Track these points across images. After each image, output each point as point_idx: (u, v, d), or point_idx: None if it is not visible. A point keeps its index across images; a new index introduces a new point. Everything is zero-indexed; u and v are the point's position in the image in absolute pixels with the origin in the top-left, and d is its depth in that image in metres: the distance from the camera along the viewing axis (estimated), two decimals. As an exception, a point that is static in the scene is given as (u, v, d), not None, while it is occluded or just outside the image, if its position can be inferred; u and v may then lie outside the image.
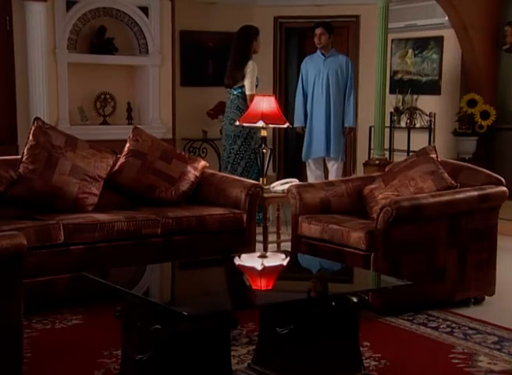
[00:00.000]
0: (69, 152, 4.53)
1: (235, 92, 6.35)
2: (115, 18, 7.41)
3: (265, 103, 5.32)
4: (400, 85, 8.21)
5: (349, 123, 6.96)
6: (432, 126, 7.89)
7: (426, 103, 8.10)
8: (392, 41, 8.31)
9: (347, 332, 3.10)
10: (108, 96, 7.44)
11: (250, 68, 6.25)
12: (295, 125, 6.95)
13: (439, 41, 8.13)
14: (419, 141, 7.45)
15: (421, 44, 8.34)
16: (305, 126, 7.03)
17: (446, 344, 3.69)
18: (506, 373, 3.34)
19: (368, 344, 3.62)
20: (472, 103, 7.37)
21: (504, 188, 4.38)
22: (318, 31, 6.87)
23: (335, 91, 6.89)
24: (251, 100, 5.72)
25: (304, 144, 7.05)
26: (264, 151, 5.37)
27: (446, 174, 4.41)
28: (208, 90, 8.27)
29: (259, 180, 5.27)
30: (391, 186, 4.49)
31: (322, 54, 6.95)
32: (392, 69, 8.39)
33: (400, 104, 8.11)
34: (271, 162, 5.69)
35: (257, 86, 6.30)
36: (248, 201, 4.68)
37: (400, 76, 8.46)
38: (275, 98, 5.60)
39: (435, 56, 8.22)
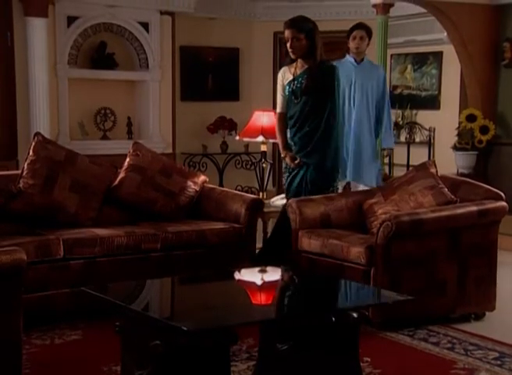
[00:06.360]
0: (69, 167, 4.54)
1: None
2: (116, 33, 7.46)
3: (265, 118, 5.34)
4: (400, 100, 8.25)
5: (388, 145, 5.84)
6: (432, 141, 7.91)
7: (425, 118, 8.13)
8: (392, 56, 8.36)
9: (347, 347, 3.09)
10: (108, 111, 7.46)
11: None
12: None
13: (438, 56, 8.18)
14: (419, 155, 7.47)
15: (420, 60, 8.39)
16: None
17: (446, 359, 3.67)
18: (508, 388, 3.33)
19: (369, 359, 3.60)
20: (471, 118, 7.40)
21: (504, 203, 4.38)
22: (358, 34, 5.61)
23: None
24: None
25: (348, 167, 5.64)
26: (264, 165, 5.38)
27: (445, 189, 4.41)
28: (207, 105, 8.30)
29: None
30: (391, 201, 4.49)
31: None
32: (392, 83, 8.43)
33: (400, 118, 8.15)
34: (271, 176, 5.69)
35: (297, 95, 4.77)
36: (248, 216, 4.67)
37: (399, 90, 8.51)
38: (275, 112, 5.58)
39: (434, 71, 8.27)
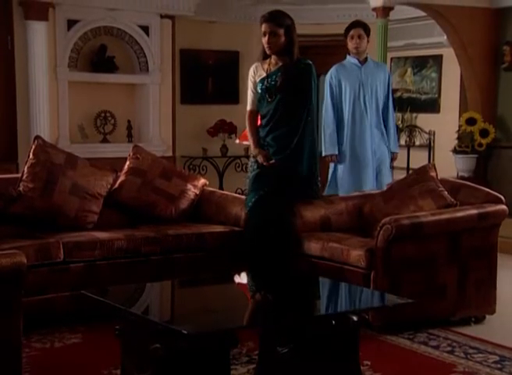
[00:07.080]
0: (70, 170, 4.54)
1: None
2: (116, 37, 7.47)
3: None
4: (400, 103, 8.25)
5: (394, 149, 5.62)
6: (432, 144, 7.92)
7: (425, 121, 8.13)
8: (392, 59, 8.37)
9: (347, 351, 3.09)
10: (108, 114, 7.47)
11: None
12: (326, 153, 5.35)
13: (438, 59, 8.19)
14: (419, 158, 7.47)
15: (420, 63, 8.40)
16: (339, 154, 5.46)
17: (446, 363, 3.67)
18: (508, 392, 3.33)
19: (369, 363, 3.60)
20: (471, 121, 7.40)
21: (504, 206, 4.38)
22: (355, 33, 5.41)
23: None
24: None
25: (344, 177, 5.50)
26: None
27: (445, 192, 4.41)
28: (207, 108, 8.30)
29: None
30: (391, 204, 4.49)
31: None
32: (392, 87, 8.42)
33: (400, 122, 8.14)
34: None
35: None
36: (248, 219, 4.67)
37: (399, 94, 8.50)
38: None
39: (434, 74, 8.27)
